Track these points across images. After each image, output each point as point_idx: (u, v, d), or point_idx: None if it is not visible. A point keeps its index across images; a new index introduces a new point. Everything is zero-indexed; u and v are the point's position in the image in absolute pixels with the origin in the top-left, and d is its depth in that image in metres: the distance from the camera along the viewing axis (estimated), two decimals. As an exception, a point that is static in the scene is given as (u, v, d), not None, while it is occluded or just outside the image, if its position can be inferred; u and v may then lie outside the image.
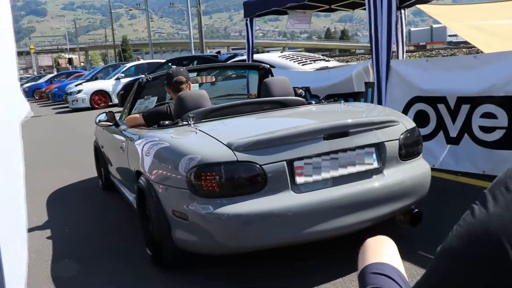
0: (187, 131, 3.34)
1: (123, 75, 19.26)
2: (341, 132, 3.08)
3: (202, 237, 2.93)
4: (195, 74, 5.23)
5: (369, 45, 5.85)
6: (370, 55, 5.87)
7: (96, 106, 18.71)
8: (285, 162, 2.92)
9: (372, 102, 5.88)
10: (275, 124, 3.57)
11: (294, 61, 9.59)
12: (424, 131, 5.18)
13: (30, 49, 69.46)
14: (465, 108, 4.86)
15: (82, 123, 13.93)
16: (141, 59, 26.90)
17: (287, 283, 3.03)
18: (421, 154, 3.54)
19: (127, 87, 14.11)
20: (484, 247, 1.13)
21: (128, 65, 21.06)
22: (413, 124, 3.52)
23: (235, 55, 13.52)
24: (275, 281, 3.07)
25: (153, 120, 4.01)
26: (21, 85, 28.37)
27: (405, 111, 5.39)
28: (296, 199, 2.92)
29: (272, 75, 5.14)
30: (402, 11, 8.31)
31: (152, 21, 62.05)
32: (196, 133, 3.24)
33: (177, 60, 15.12)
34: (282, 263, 3.30)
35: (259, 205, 2.84)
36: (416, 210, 3.35)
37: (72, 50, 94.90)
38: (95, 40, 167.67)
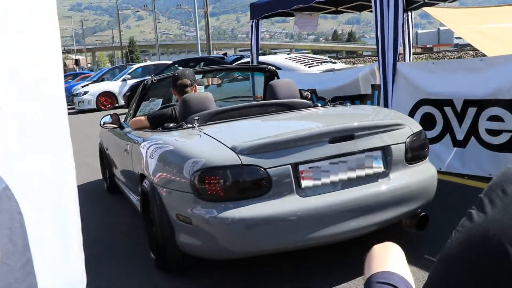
0: (192, 134, 3.32)
1: (129, 76, 19.28)
2: (346, 135, 3.05)
3: (206, 241, 2.91)
4: (200, 76, 5.22)
5: (376, 47, 5.83)
6: (377, 58, 5.85)
7: (103, 107, 18.71)
8: (290, 165, 2.89)
9: (378, 104, 5.85)
10: (280, 127, 3.54)
11: (300, 63, 9.58)
12: (431, 134, 5.15)
13: (37, 50, 69.64)
14: (471, 111, 4.82)
15: (88, 125, 13.95)
16: (148, 61, 26.98)
17: (290, 286, 3.00)
18: (427, 158, 3.51)
19: (133, 89, 14.15)
20: (485, 252, 1.12)
21: (135, 66, 21.12)
22: (420, 127, 3.49)
23: (241, 57, 13.52)
24: (277, 285, 3.05)
25: (157, 122, 4.00)
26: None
27: (412, 113, 5.36)
28: (301, 203, 2.89)
29: (278, 77, 5.12)
30: (409, 13, 8.28)
31: (159, 22, 62.23)
32: (201, 136, 3.22)
33: (183, 61, 15.10)
34: (285, 267, 3.27)
35: (264, 209, 2.82)
36: (422, 214, 3.32)
37: (79, 51, 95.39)
38: (102, 41, 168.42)
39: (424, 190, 3.31)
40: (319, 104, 4.36)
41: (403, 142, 3.26)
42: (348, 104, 4.28)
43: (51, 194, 1.16)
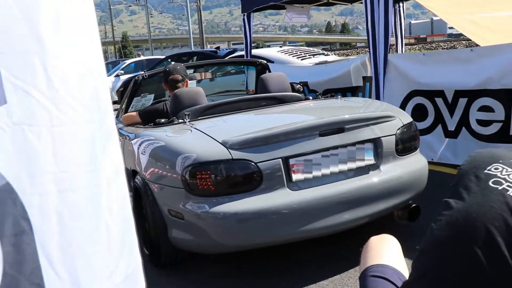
0: (182, 129, 3.33)
1: (122, 71, 19.17)
2: (337, 128, 3.06)
3: (198, 236, 2.92)
4: (192, 70, 5.21)
5: (368, 39, 5.83)
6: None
7: (96, 103, 18.60)
8: (280, 159, 2.91)
9: (370, 96, 5.87)
10: (271, 121, 3.55)
11: (293, 56, 9.56)
12: (423, 125, 5.17)
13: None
14: (462, 101, 4.84)
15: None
16: (141, 55, 26.85)
17: (284, 279, 3.02)
18: (418, 149, 3.53)
19: (126, 84, 14.07)
20: (470, 233, 1.15)
21: (128, 61, 20.99)
22: (410, 119, 3.50)
23: (234, 50, 13.49)
24: (271, 278, 3.07)
25: (149, 118, 4.00)
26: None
27: (403, 105, 5.38)
28: (292, 196, 2.91)
29: (270, 71, 5.12)
30: (400, 4, 8.30)
31: (151, 17, 61.97)
32: (191, 131, 3.22)
33: (176, 56, 15.08)
34: (278, 260, 3.29)
35: (255, 203, 2.84)
36: (414, 205, 3.34)
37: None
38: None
39: (415, 181, 3.33)
40: (311, 97, 4.37)
41: (394, 134, 3.27)
42: (339, 96, 4.29)
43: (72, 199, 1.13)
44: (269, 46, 40.32)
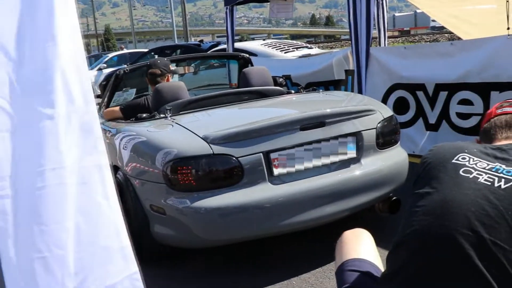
0: (164, 124, 3.32)
1: (105, 65, 19.00)
2: (317, 122, 3.08)
3: (180, 231, 2.93)
4: (174, 64, 5.18)
5: (351, 31, 5.83)
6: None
7: (79, 97, 18.44)
8: (261, 154, 2.92)
9: (352, 90, 5.89)
10: (253, 115, 3.55)
11: (276, 49, 9.55)
12: (404, 118, 5.21)
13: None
14: (443, 95, 4.88)
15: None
16: (124, 49, 26.63)
17: (266, 273, 3.03)
18: (398, 143, 3.56)
19: (109, 78, 13.96)
20: (449, 220, 1.18)
21: (110, 55, 20.81)
22: (391, 113, 3.53)
23: (218, 43, 13.43)
24: (254, 272, 3.08)
25: (130, 113, 3.97)
26: None
27: (385, 98, 5.41)
28: (273, 190, 2.92)
29: (252, 65, 5.12)
30: (383, -3, 8.30)
31: (135, 9, 61.43)
32: (173, 126, 3.22)
33: (159, 49, 14.97)
34: (261, 254, 3.31)
35: (237, 197, 2.85)
36: (394, 198, 3.37)
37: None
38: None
39: (395, 174, 3.36)
40: (293, 91, 4.38)
41: (374, 128, 3.30)
42: (321, 90, 4.30)
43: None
44: (253, 39, 40.25)
